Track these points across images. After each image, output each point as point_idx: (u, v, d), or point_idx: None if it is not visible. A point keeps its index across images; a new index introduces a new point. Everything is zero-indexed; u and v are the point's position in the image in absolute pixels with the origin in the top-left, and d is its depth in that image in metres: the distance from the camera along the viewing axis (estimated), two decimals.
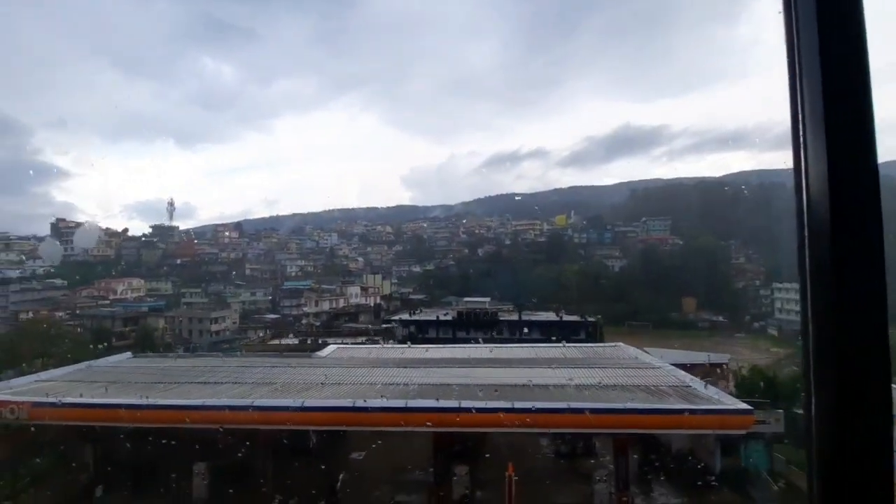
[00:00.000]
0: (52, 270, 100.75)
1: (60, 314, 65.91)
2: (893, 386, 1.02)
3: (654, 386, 17.78)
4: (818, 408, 1.01)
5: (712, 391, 17.01)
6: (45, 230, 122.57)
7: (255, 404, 15.81)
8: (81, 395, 17.29)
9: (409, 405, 15.34)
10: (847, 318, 0.96)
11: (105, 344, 45.96)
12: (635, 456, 18.61)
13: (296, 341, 49.16)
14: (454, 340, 42.22)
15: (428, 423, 15.00)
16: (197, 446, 17.87)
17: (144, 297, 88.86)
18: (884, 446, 0.92)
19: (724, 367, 33.67)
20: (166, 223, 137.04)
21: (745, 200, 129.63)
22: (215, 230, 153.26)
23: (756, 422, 15.98)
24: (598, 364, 22.37)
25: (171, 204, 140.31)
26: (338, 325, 67.05)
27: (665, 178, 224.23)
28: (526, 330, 45.24)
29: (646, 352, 26.93)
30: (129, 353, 27.95)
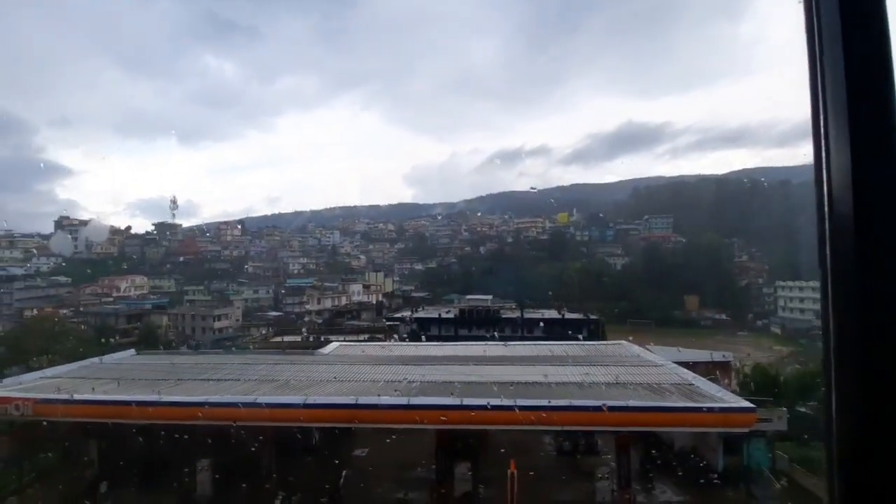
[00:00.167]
0: (62, 266, 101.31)
1: (64, 311, 66.20)
2: None
3: (656, 384, 17.77)
4: (839, 407, 0.99)
5: (715, 389, 16.99)
6: (48, 228, 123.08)
7: (258, 401, 15.86)
8: (86, 392, 17.38)
9: (417, 402, 15.35)
10: (871, 315, 0.94)
11: (109, 341, 46.18)
12: (638, 454, 18.62)
13: (298, 339, 49.26)
14: (456, 338, 42.24)
15: (443, 419, 15.01)
16: (201, 443, 17.95)
17: (148, 294, 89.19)
18: None
19: (727, 365, 33.60)
20: (169, 221, 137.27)
21: (749, 198, 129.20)
22: (218, 228, 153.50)
23: (759, 420, 15.94)
24: (601, 362, 22.35)
25: (173, 201, 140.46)
26: (340, 322, 67.12)
27: (668, 175, 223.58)
28: (528, 328, 45.23)
29: (648, 350, 26.89)
30: (132, 351, 28.07)
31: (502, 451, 17.34)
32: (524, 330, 44.79)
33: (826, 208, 1.01)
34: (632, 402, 15.03)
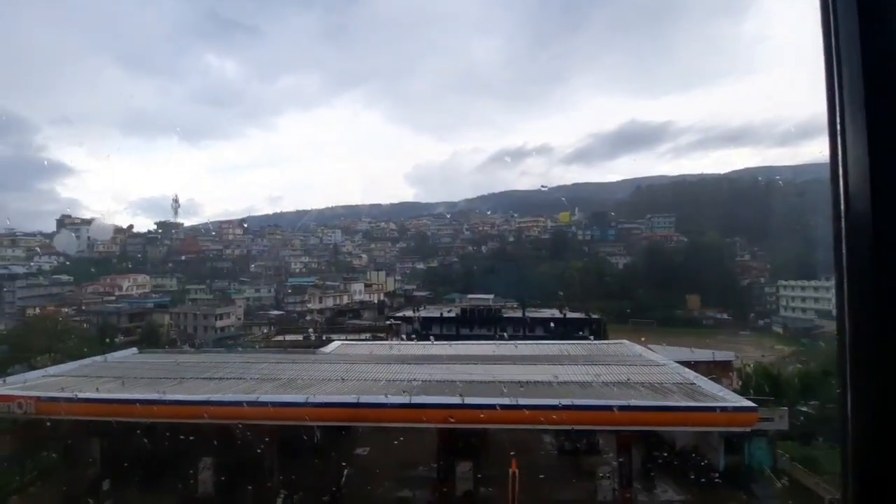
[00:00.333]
0: (64, 265, 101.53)
1: (67, 310, 66.37)
2: None
3: (658, 383, 17.74)
4: (855, 407, 0.97)
5: (716, 388, 16.96)
6: (51, 226, 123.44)
7: (260, 400, 15.88)
8: (88, 391, 17.43)
9: (418, 401, 15.34)
10: (888, 314, 0.92)
11: (111, 340, 46.29)
12: (639, 453, 18.60)
13: (300, 338, 49.32)
14: (458, 337, 42.23)
15: (448, 418, 15.01)
16: (203, 441, 17.99)
17: (150, 293, 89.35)
18: None
19: (729, 364, 33.56)
20: (171, 220, 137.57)
21: (751, 197, 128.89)
22: (220, 227, 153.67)
23: (760, 419, 15.91)
24: (603, 361, 22.33)
25: (175, 200, 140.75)
26: (342, 321, 67.21)
27: (670, 174, 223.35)
28: (530, 327, 45.19)
29: (650, 349, 26.85)
30: (134, 349, 28.13)
31: (504, 450, 17.35)
32: (526, 329, 44.76)
33: (842, 206, 0.99)
34: (633, 402, 15.01)
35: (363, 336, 47.06)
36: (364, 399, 15.75)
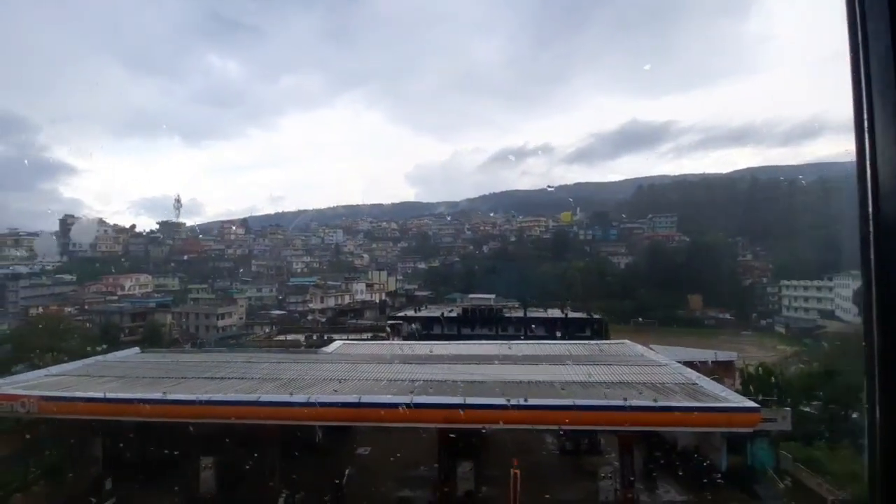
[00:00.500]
0: (67, 264, 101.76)
1: (69, 309, 66.52)
2: None
3: (660, 383, 17.70)
4: (884, 411, 0.95)
5: (719, 389, 16.91)
6: (53, 226, 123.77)
7: (261, 400, 15.90)
8: (90, 390, 17.46)
9: (419, 401, 15.33)
10: None
11: (113, 339, 46.40)
12: (641, 453, 18.56)
13: (301, 337, 49.36)
14: (459, 337, 42.21)
15: (449, 418, 15.00)
16: (204, 440, 18.02)
17: (152, 293, 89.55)
18: None
19: (731, 364, 33.48)
20: (173, 219, 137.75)
21: (753, 197, 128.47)
22: (221, 227, 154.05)
23: (763, 420, 15.85)
24: (604, 361, 22.29)
25: (177, 200, 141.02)
26: (343, 321, 67.22)
27: (672, 174, 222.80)
28: (531, 327, 45.15)
29: (652, 349, 26.81)
30: (136, 349, 28.19)
31: (505, 450, 17.34)
32: (527, 329, 44.71)
33: (870, 206, 0.95)
34: (635, 402, 14.97)
35: (365, 336, 47.08)
36: (365, 399, 15.75)
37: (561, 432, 18.87)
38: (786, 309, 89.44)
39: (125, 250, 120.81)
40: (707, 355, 32.82)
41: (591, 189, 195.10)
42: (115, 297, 79.63)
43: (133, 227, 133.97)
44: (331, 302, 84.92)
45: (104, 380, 19.57)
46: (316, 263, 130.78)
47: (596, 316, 48.27)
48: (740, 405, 14.88)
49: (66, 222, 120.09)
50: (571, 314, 49.20)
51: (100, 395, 16.70)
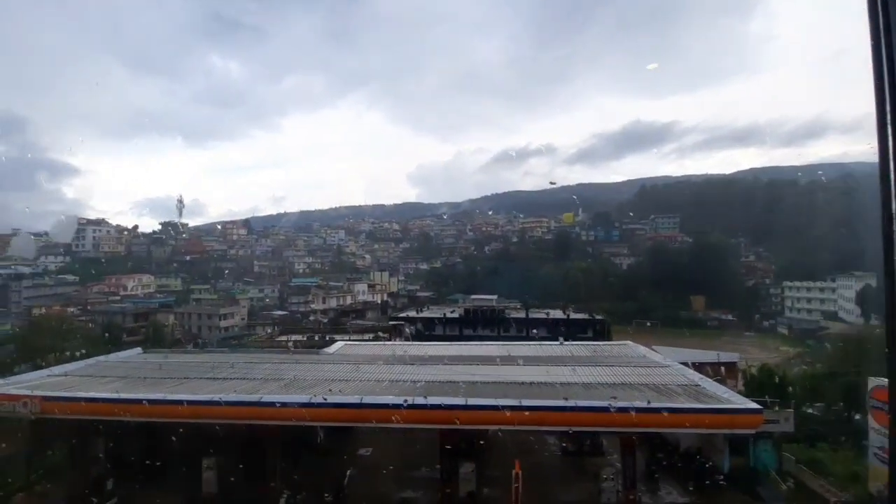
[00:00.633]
0: (70, 265, 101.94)
1: (72, 310, 66.75)
2: None
3: (662, 384, 17.65)
4: None
5: (721, 390, 16.85)
6: (47, 227, 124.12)
7: (263, 400, 15.91)
8: (93, 390, 17.51)
9: (421, 402, 15.32)
10: None
11: (116, 339, 46.51)
12: (643, 454, 18.50)
13: (303, 338, 49.39)
14: (461, 338, 42.19)
15: (450, 419, 14.99)
16: (206, 441, 18.03)
17: (154, 293, 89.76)
18: None
19: (734, 365, 33.34)
20: (175, 220, 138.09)
21: (756, 198, 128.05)
22: (224, 227, 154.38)
23: (765, 421, 15.79)
24: (606, 362, 22.24)
25: (180, 201, 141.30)
26: (345, 322, 67.24)
27: (674, 175, 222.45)
28: (533, 328, 45.09)
29: (654, 350, 26.73)
30: (139, 349, 28.26)
31: (507, 451, 17.31)
32: (529, 330, 44.65)
33: (893, 206, 0.93)
34: (637, 403, 14.92)
35: (366, 336, 47.10)
36: (367, 400, 15.74)
37: (570, 432, 18.80)
38: (789, 310, 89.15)
39: (128, 251, 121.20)
40: (709, 356, 32.68)
41: (594, 189, 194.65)
42: (118, 298, 79.86)
43: (136, 227, 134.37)
44: (333, 303, 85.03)
45: (106, 380, 19.62)
46: (318, 264, 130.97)
47: (598, 317, 48.17)
48: (743, 406, 14.81)
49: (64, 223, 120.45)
50: (573, 315, 49.12)
51: (102, 395, 16.75)
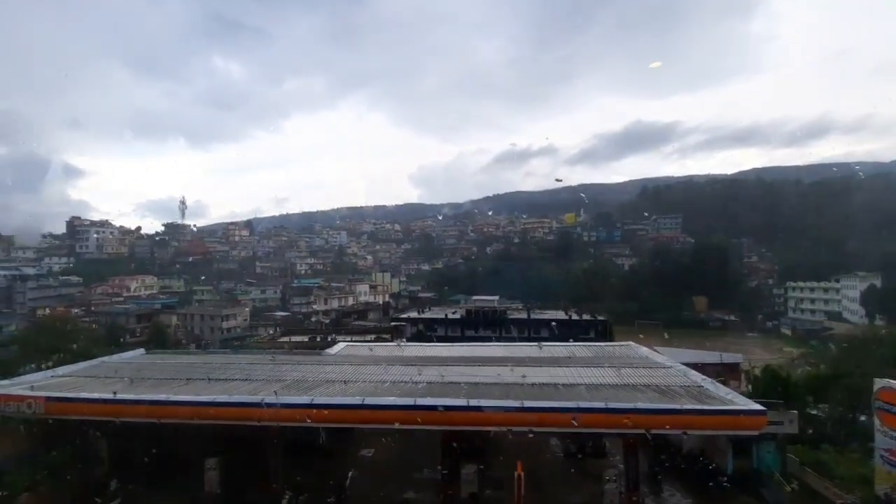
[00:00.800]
0: (74, 266, 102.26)
1: (76, 310, 67.06)
2: None
3: (665, 386, 17.60)
4: None
5: (724, 391, 16.78)
6: (61, 228, 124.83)
7: (265, 401, 15.92)
8: (96, 391, 17.56)
9: (423, 403, 15.31)
10: None
11: (119, 340, 46.65)
12: (646, 456, 18.45)
13: (305, 339, 49.46)
14: (463, 339, 42.16)
15: (449, 420, 14.98)
16: (209, 442, 18.07)
17: (157, 294, 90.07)
18: None
19: (737, 366, 33.25)
20: (178, 221, 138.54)
21: (758, 198, 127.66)
22: (226, 228, 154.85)
23: (769, 422, 15.71)
24: (609, 363, 22.18)
25: (182, 202, 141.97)
26: (347, 322, 67.36)
27: (676, 175, 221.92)
28: (535, 329, 45.03)
29: (656, 351, 26.66)
30: (142, 350, 28.32)
31: (509, 452, 17.28)
32: (531, 331, 44.60)
33: None
34: (640, 404, 14.88)
35: (368, 337, 47.15)
36: (369, 401, 15.74)
37: (573, 433, 18.74)
38: (792, 311, 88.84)
39: (131, 252, 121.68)
40: (712, 357, 32.63)
41: (596, 190, 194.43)
42: (121, 299, 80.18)
43: (139, 228, 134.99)
44: (335, 303, 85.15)
45: (110, 381, 19.67)
46: (320, 265, 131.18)
47: (600, 317, 48.05)
48: (746, 408, 14.74)
49: (73, 224, 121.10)
50: (575, 316, 49.03)
51: (105, 395, 16.78)
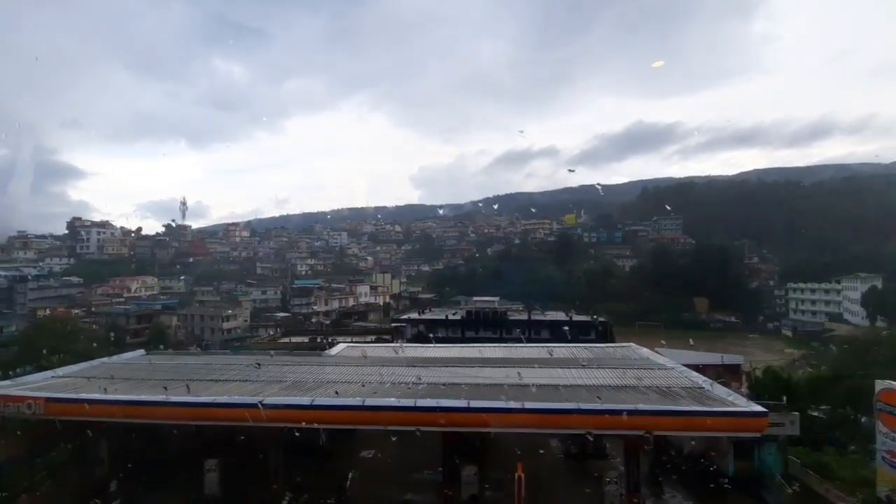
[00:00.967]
0: (74, 266, 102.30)
1: (76, 311, 67.03)
2: None
3: (666, 387, 17.56)
4: None
5: (725, 392, 16.74)
6: (61, 229, 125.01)
7: (265, 402, 15.90)
8: (96, 392, 17.54)
9: (423, 404, 15.29)
10: None
11: (119, 341, 46.65)
12: (647, 457, 18.40)
13: (306, 340, 49.44)
14: (463, 340, 42.11)
15: (449, 420, 14.98)
16: (209, 442, 18.05)
17: (158, 295, 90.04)
18: None
19: (738, 368, 33.17)
20: (179, 222, 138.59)
21: (759, 199, 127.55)
22: (227, 229, 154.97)
23: (771, 424, 15.67)
24: (609, 364, 22.16)
25: (183, 203, 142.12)
26: (347, 323, 67.33)
27: (677, 176, 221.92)
28: (536, 330, 44.98)
29: (657, 352, 26.60)
30: (142, 351, 28.33)
31: (509, 453, 17.24)
32: (531, 332, 44.53)
33: None
34: (641, 406, 14.85)
35: (368, 338, 47.10)
36: (369, 402, 15.72)
37: (574, 434, 18.71)
38: (793, 312, 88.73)
39: (131, 253, 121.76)
40: (713, 359, 32.52)
41: (596, 191, 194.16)
42: (122, 300, 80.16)
43: (139, 229, 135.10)
44: (335, 304, 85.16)
45: (110, 381, 19.64)
46: (320, 266, 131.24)
47: (600, 319, 47.99)
48: (748, 409, 14.70)
49: (74, 225, 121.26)
50: (576, 317, 48.97)
51: (106, 396, 16.77)
